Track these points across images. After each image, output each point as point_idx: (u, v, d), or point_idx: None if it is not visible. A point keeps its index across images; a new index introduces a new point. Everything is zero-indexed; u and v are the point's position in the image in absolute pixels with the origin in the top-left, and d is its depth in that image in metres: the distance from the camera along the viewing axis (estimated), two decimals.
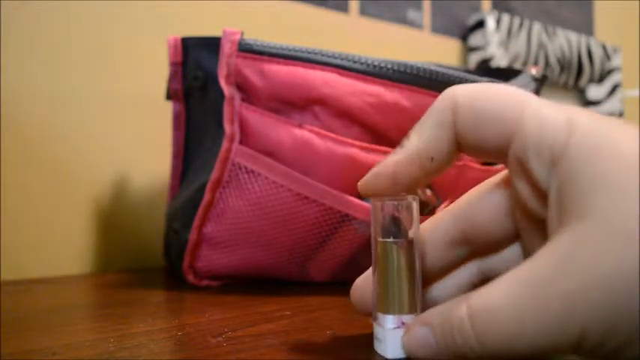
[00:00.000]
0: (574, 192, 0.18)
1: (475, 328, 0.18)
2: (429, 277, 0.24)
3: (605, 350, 0.17)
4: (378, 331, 0.22)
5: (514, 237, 0.23)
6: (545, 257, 0.18)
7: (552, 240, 0.18)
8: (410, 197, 0.22)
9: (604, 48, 0.93)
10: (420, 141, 0.22)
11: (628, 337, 0.16)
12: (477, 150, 0.22)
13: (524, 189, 0.20)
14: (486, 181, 0.24)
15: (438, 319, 0.20)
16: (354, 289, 0.25)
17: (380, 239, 0.22)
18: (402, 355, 0.21)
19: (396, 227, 0.22)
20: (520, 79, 0.43)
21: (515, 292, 0.18)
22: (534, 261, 0.18)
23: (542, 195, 0.20)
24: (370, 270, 0.25)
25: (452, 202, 0.25)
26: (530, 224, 0.22)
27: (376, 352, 0.22)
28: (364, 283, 0.24)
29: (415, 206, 0.22)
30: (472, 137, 0.21)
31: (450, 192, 0.38)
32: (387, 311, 0.22)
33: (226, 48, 0.35)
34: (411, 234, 0.22)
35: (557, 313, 0.17)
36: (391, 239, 0.22)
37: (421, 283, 0.22)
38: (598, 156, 0.17)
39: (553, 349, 0.17)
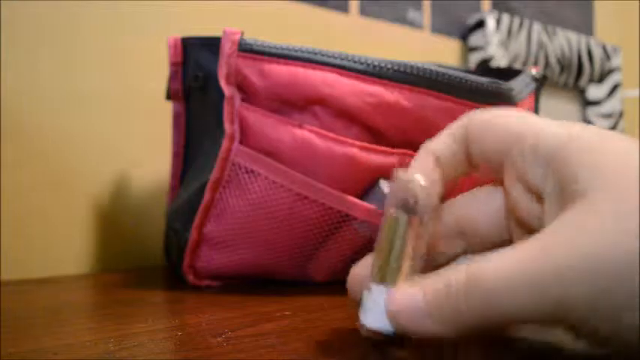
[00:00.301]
0: (571, 183, 0.19)
1: (468, 295, 0.19)
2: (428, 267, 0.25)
3: (588, 327, 0.18)
4: (366, 300, 0.22)
5: (510, 243, 0.24)
6: (542, 236, 0.19)
7: (550, 224, 0.19)
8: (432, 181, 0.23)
9: (604, 48, 0.93)
10: (433, 143, 0.24)
11: (617, 314, 0.17)
12: (481, 159, 0.23)
13: (519, 196, 0.21)
14: (484, 187, 0.25)
15: (433, 280, 0.20)
16: (352, 276, 0.25)
17: (393, 210, 0.22)
18: (383, 325, 0.21)
19: (412, 203, 0.22)
20: (520, 79, 0.43)
21: (510, 267, 0.18)
22: (532, 240, 0.19)
23: (537, 199, 0.20)
24: (367, 258, 0.25)
25: None
26: (524, 236, 0.22)
27: (360, 324, 0.22)
28: (361, 270, 0.25)
29: (435, 191, 0.23)
30: (476, 148, 0.23)
31: (450, 192, 0.38)
32: (382, 281, 0.22)
33: (226, 48, 0.35)
34: (425, 217, 0.23)
35: (547, 288, 0.17)
36: (405, 214, 0.22)
37: (423, 264, 0.23)
38: (595, 152, 0.19)
39: (539, 321, 0.18)
